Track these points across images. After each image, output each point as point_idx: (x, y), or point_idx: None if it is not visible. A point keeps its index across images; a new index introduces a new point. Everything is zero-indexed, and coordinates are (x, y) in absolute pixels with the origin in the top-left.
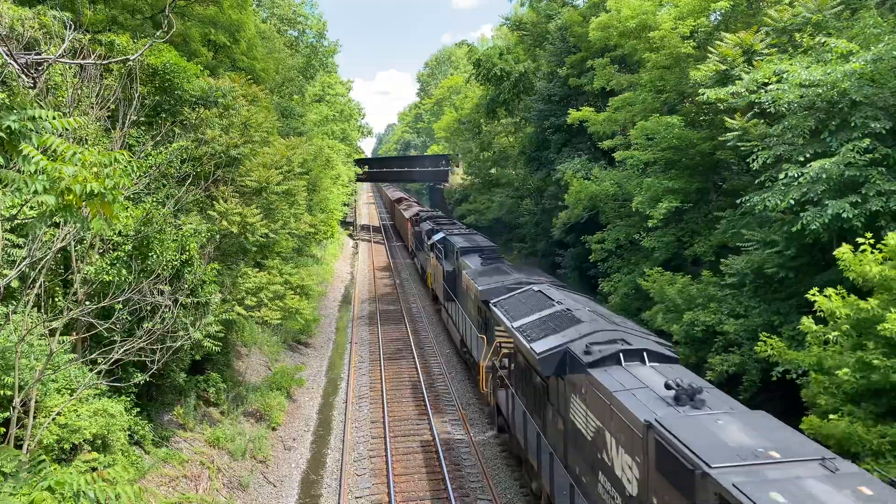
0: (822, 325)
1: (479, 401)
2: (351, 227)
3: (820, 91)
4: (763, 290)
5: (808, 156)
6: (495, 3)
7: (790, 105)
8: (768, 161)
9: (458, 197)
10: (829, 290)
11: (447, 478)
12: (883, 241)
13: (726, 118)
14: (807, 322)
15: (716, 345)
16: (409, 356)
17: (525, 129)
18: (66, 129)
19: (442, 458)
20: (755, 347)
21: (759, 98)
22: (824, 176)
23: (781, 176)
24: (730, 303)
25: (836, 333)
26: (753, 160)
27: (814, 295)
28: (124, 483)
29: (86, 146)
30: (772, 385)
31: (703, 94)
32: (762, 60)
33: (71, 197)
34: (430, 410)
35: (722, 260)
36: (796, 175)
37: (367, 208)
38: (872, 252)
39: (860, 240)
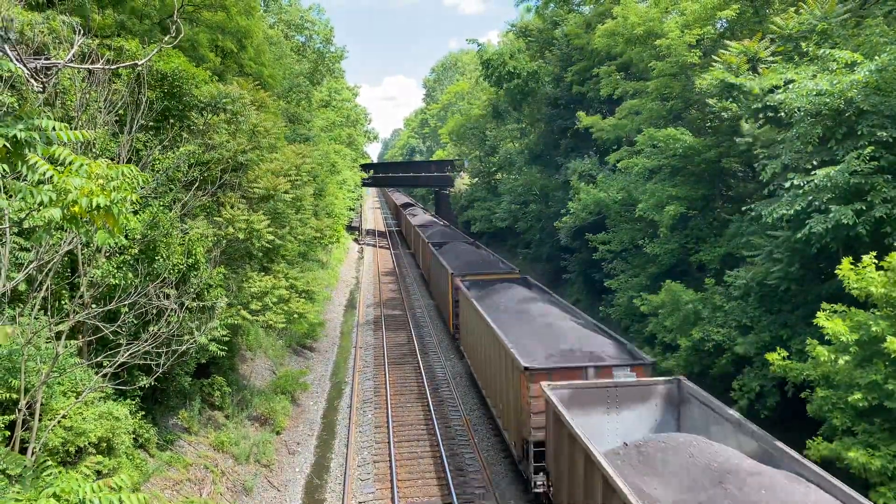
0: (829, 347)
1: (483, 406)
2: (356, 232)
3: (827, 100)
4: (769, 301)
5: (815, 163)
6: (502, 10)
7: (798, 111)
8: (776, 171)
9: (463, 202)
10: (829, 322)
11: (451, 483)
12: (887, 259)
13: (742, 123)
14: (820, 349)
15: (723, 359)
16: (413, 361)
17: (530, 135)
18: (73, 141)
19: (446, 463)
20: (770, 366)
21: (771, 101)
22: (829, 184)
23: (787, 185)
24: (737, 315)
25: (845, 359)
26: (762, 169)
27: (820, 318)
28: (128, 492)
29: (92, 152)
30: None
31: (713, 80)
32: (767, 69)
33: (77, 209)
34: (434, 415)
35: (727, 273)
36: (801, 184)
37: (373, 213)
38: (879, 269)
39: (865, 257)
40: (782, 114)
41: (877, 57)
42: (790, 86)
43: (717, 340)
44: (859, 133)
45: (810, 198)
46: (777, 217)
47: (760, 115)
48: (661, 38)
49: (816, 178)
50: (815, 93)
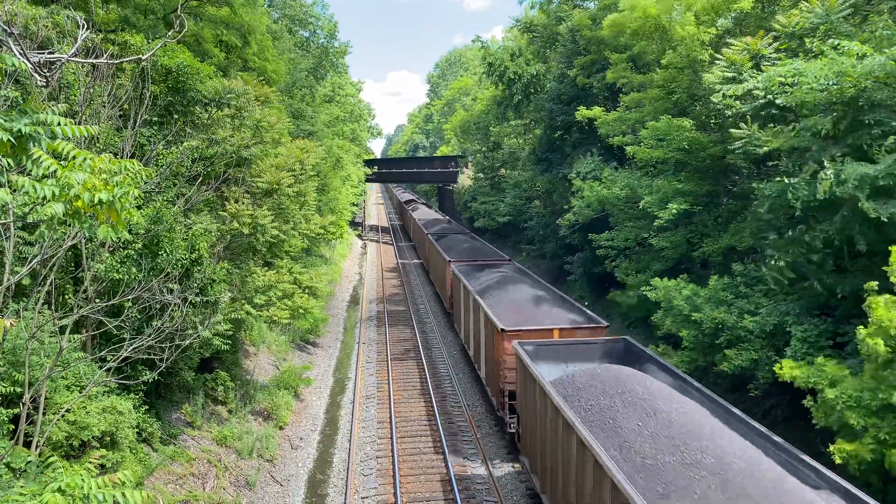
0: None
1: (487, 402)
2: (360, 228)
3: (839, 86)
4: (774, 291)
5: (837, 155)
6: (506, 5)
7: (808, 104)
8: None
9: (466, 199)
10: (884, 310)
11: (454, 480)
12: None
13: (733, 130)
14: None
15: (721, 338)
16: (416, 357)
17: (534, 131)
18: (78, 136)
19: (448, 459)
20: (776, 369)
21: (777, 90)
22: (855, 178)
23: (817, 166)
24: (740, 304)
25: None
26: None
27: (878, 305)
28: (131, 488)
29: (96, 147)
30: (778, 389)
31: (718, 91)
32: (771, 66)
33: (80, 203)
34: (437, 412)
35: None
36: (825, 170)
37: (377, 208)
38: None
39: None
40: (791, 104)
41: (886, 50)
42: (801, 72)
43: (718, 319)
44: (866, 122)
45: (834, 187)
46: (792, 197)
47: (762, 113)
48: (673, 32)
49: (846, 170)
50: (832, 75)
